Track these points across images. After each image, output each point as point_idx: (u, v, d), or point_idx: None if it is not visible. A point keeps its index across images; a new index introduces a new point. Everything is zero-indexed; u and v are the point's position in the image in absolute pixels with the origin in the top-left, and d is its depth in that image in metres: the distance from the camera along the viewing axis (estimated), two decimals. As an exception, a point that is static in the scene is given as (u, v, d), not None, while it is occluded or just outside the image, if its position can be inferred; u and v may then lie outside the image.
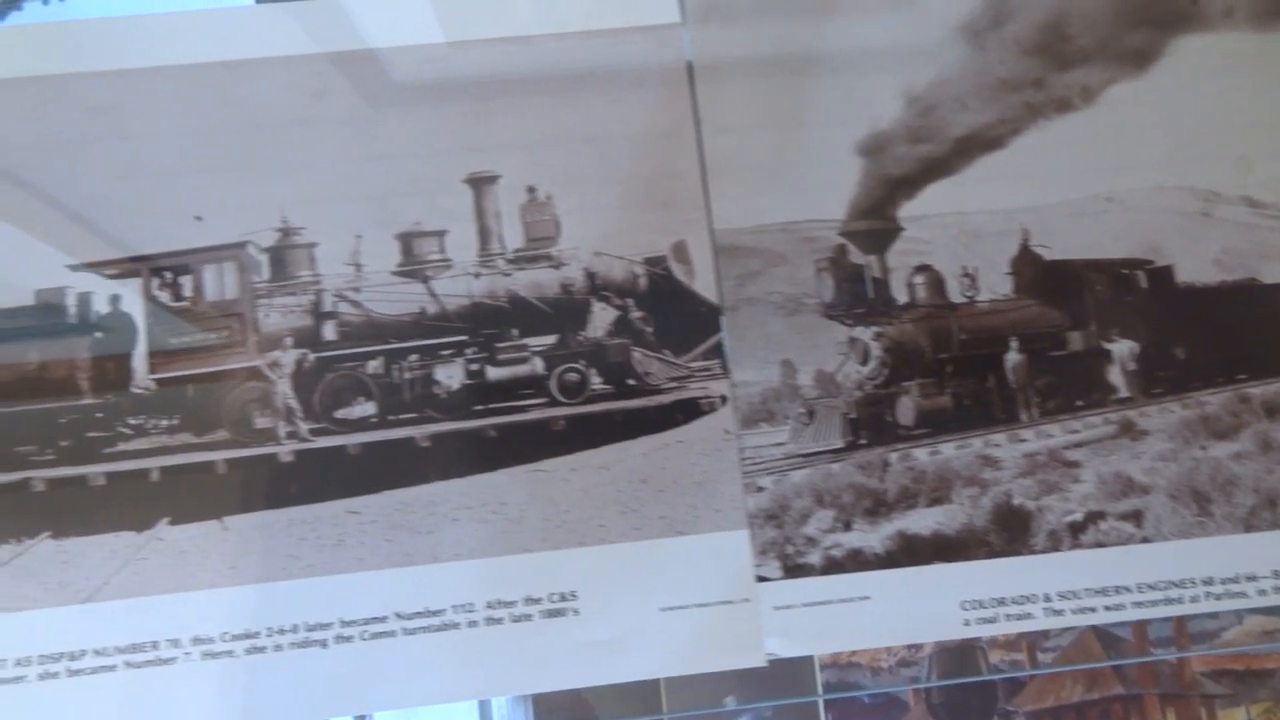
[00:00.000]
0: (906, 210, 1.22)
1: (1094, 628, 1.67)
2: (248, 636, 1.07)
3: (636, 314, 1.20)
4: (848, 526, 1.13)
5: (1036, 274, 1.23)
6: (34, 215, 1.16)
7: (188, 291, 1.18)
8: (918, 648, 1.70)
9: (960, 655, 1.72)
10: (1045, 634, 1.70)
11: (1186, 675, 1.73)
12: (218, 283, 1.18)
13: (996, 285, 1.22)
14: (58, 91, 1.18)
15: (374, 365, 1.18)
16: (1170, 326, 1.23)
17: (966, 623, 1.11)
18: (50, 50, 1.19)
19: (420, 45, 1.22)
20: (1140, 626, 1.70)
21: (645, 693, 1.43)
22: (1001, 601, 1.12)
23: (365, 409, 1.16)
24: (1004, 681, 1.73)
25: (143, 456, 1.13)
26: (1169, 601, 1.13)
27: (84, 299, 1.16)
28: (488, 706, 1.49)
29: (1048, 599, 1.12)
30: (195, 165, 1.18)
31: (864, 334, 1.20)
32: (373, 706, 1.09)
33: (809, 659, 1.61)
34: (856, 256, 1.21)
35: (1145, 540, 1.14)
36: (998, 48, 1.26)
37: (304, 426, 1.14)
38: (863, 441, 1.17)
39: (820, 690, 1.68)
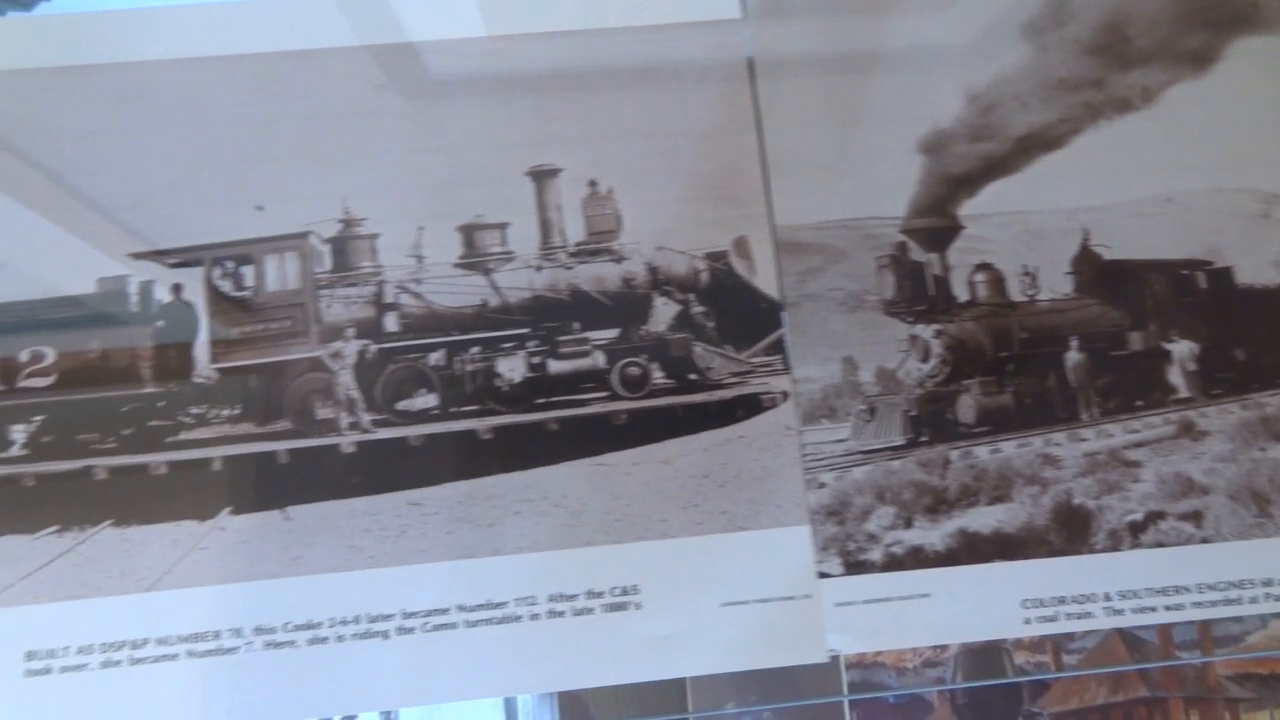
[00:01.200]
0: (967, 208, 1.22)
1: (1119, 630, 1.66)
2: (310, 627, 1.06)
3: (698, 309, 1.19)
4: (909, 524, 1.13)
5: (1096, 273, 1.23)
6: (96, 203, 1.16)
7: (249, 281, 1.17)
8: (943, 648, 1.70)
9: (985, 656, 1.71)
10: (1070, 636, 1.69)
11: (1211, 678, 1.73)
12: (279, 273, 1.17)
13: (1057, 284, 1.22)
14: (119, 81, 1.18)
15: (436, 357, 1.18)
16: (1230, 327, 1.23)
17: (1027, 621, 1.11)
18: (112, 39, 1.19)
19: (483, 38, 1.22)
20: (1165, 630, 1.69)
21: (670, 689, 1.42)
22: (1062, 600, 1.12)
23: (427, 401, 1.16)
24: (1029, 682, 1.72)
25: (205, 446, 1.12)
26: (1229, 602, 1.13)
27: (146, 287, 1.16)
28: (513, 705, 1.48)
29: (1108, 598, 1.12)
30: (257, 155, 1.18)
31: (925, 331, 1.20)
32: (435, 698, 1.09)
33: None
34: (917, 254, 1.21)
35: (1205, 541, 1.14)
36: (1058, 47, 1.26)
37: (366, 418, 1.14)
38: (924, 439, 1.17)
39: (845, 690, 1.67)
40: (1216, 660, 1.69)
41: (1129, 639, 1.68)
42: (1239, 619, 1.64)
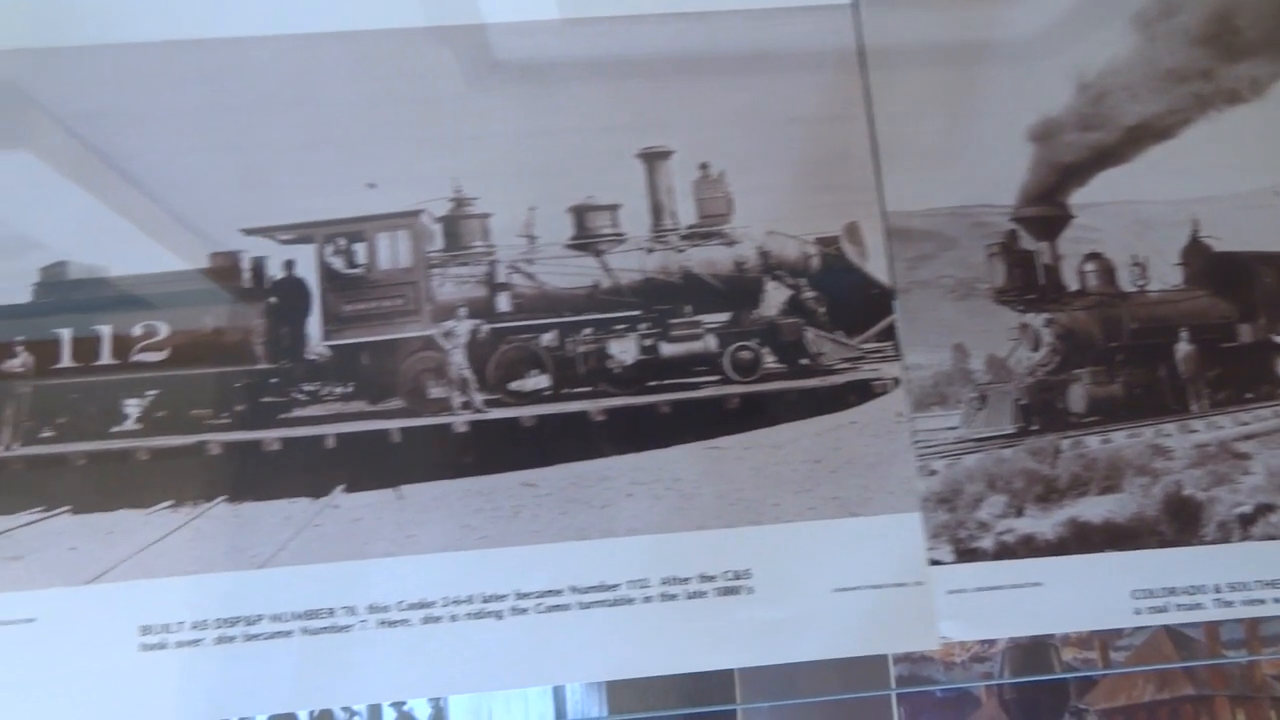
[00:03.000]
0: (1077, 197, 1.21)
1: (1166, 628, 1.66)
2: (423, 606, 1.06)
3: (809, 294, 1.19)
4: (1020, 512, 1.13)
5: (1206, 265, 1.22)
6: (209, 179, 1.15)
7: (361, 259, 1.17)
8: (990, 643, 1.69)
9: (1033, 652, 1.71)
10: (1118, 633, 1.69)
11: (1257, 677, 1.72)
12: (391, 251, 1.17)
13: (1166, 275, 1.22)
14: (236, 57, 1.17)
15: (548, 338, 1.17)
16: (1340, 321, 1.23)
17: (1137, 611, 1.12)
18: (228, 15, 1.18)
19: (596, 18, 1.21)
20: (1212, 628, 1.69)
21: (720, 679, 1.41)
22: (1172, 591, 1.11)
23: (539, 381, 1.15)
24: (1076, 679, 1.72)
25: (318, 423, 1.12)
26: (1338, 596, 1.13)
27: (258, 264, 1.15)
28: (562, 693, 1.48)
29: (1218, 590, 1.12)
30: (370, 134, 1.17)
31: (1035, 320, 1.20)
32: (547, 680, 1.09)
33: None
34: (1027, 242, 1.21)
35: (1314, 535, 1.14)
36: (1167, 38, 1.25)
37: (478, 397, 1.14)
38: (1034, 427, 1.17)
39: (893, 684, 1.67)
40: (1264, 660, 1.68)
41: (1177, 636, 1.67)
42: (1284, 617, 1.64)
